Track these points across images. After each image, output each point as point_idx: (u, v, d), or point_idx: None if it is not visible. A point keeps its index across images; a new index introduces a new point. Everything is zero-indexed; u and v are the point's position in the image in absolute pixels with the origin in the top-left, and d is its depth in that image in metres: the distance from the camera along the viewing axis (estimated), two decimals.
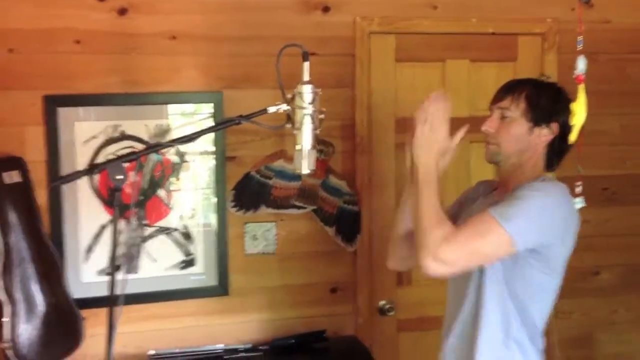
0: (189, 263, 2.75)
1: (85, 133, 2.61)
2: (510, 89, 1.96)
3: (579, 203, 1.99)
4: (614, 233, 3.20)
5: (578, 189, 2.05)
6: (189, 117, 2.75)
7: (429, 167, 1.84)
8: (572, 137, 1.94)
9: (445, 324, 2.09)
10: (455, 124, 2.70)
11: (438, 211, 1.80)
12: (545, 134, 1.92)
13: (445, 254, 1.74)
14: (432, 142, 1.85)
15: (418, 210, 1.82)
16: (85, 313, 2.55)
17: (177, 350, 2.68)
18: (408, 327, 3.01)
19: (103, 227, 2.65)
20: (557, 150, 1.96)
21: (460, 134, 1.88)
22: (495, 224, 1.75)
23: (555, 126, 1.92)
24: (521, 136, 1.92)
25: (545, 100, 1.92)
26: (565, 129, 1.94)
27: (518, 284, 1.87)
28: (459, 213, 2.14)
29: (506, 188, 1.97)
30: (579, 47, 1.94)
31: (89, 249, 2.65)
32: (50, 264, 2.50)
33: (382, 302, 2.97)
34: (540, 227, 1.80)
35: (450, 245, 1.73)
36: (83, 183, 2.60)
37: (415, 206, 1.85)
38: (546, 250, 1.84)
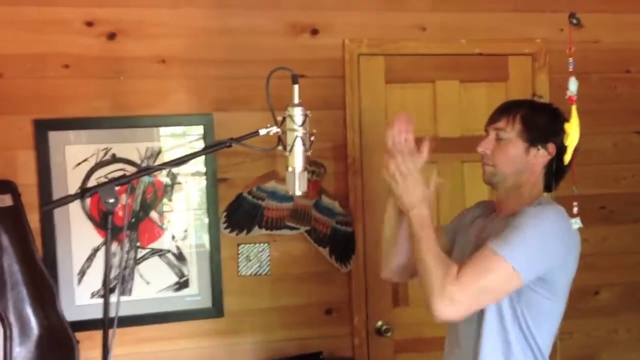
0: (183, 284, 2.75)
1: (76, 156, 2.61)
2: (505, 110, 1.96)
3: (576, 224, 1.98)
4: (612, 252, 3.19)
5: (575, 210, 2.04)
6: (179, 140, 2.76)
7: (420, 214, 1.82)
8: (567, 157, 1.93)
9: (447, 348, 2.07)
10: (447, 145, 2.70)
11: (439, 255, 1.78)
12: (542, 155, 1.92)
13: (454, 294, 1.71)
14: (413, 192, 1.82)
15: (419, 258, 1.80)
16: (79, 336, 2.53)
17: None
18: (405, 348, 2.99)
19: (96, 250, 2.65)
20: (555, 172, 1.94)
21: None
22: (499, 259, 1.73)
23: (551, 147, 1.91)
24: (518, 157, 1.91)
25: (541, 121, 1.92)
26: (563, 149, 1.92)
27: (522, 309, 1.85)
28: (456, 234, 2.13)
29: (505, 210, 1.96)
30: (570, 68, 1.95)
31: (82, 272, 2.64)
32: (43, 286, 2.49)
33: (379, 323, 2.95)
34: (543, 255, 1.79)
35: (457, 285, 1.71)
36: (75, 206, 2.60)
37: (415, 254, 1.83)
38: (550, 276, 1.82)
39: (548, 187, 1.98)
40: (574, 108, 1.91)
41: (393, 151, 1.84)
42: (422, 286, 1.79)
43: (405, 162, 1.82)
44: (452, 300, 1.71)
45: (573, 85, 1.89)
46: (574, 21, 1.78)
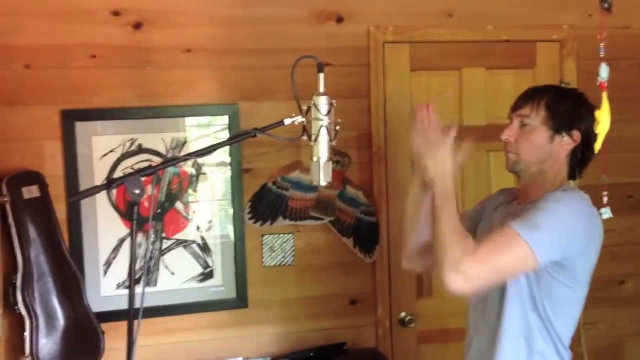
0: (207, 275, 2.75)
1: (102, 147, 2.62)
2: (530, 97, 1.92)
3: (606, 214, 1.94)
4: (639, 242, 3.14)
5: (605, 199, 2.00)
6: (205, 130, 2.76)
7: (445, 187, 1.80)
8: (597, 145, 1.90)
9: (468, 337, 2.06)
10: (473, 133, 2.67)
11: (458, 228, 1.76)
12: (566, 143, 1.89)
13: (468, 269, 1.69)
14: (441, 161, 1.81)
15: (438, 230, 1.78)
16: (105, 327, 2.55)
17: None
18: (429, 339, 2.98)
19: (122, 241, 2.66)
20: (580, 159, 1.91)
21: (463, 154, 1.84)
22: (517, 238, 1.72)
23: (577, 134, 1.88)
24: (542, 145, 1.88)
25: (566, 108, 1.89)
26: (588, 136, 1.90)
27: (541, 297, 1.83)
28: (479, 220, 2.11)
29: (528, 197, 1.93)
30: (601, 54, 1.91)
31: (108, 263, 2.66)
32: (70, 278, 2.51)
33: (403, 314, 2.94)
34: (562, 239, 1.76)
35: (473, 260, 1.70)
36: (101, 197, 2.61)
37: (434, 225, 1.81)
38: (569, 262, 1.80)
39: (572, 175, 1.95)
40: (604, 95, 1.87)
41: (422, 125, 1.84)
42: (437, 257, 1.77)
43: (436, 132, 1.81)
44: (465, 275, 1.70)
45: (604, 72, 1.85)
46: (606, 5, 1.74)
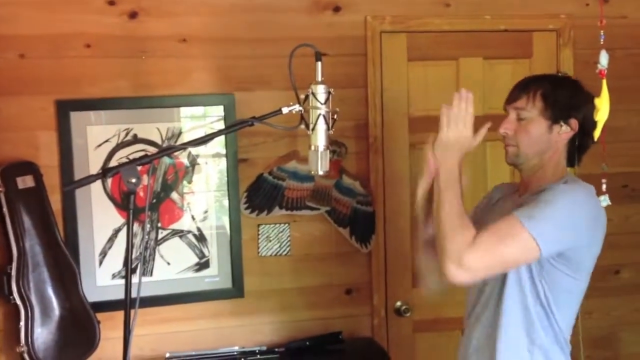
0: (203, 265, 2.75)
1: (97, 137, 2.61)
2: (525, 88, 1.91)
3: (604, 201, 1.94)
4: (635, 231, 3.15)
5: (603, 187, 2.00)
6: (200, 120, 2.75)
7: (452, 169, 1.80)
8: (597, 133, 1.89)
9: (466, 326, 2.05)
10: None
11: (461, 215, 1.75)
12: (565, 132, 1.88)
13: (469, 260, 1.69)
14: (456, 144, 1.81)
15: (440, 214, 1.78)
16: (100, 316, 2.55)
17: (192, 353, 2.67)
18: (424, 328, 2.98)
19: (117, 231, 2.65)
20: (578, 147, 1.91)
21: (483, 131, 1.84)
22: (521, 228, 1.71)
23: (574, 122, 1.87)
24: (540, 136, 1.87)
25: (562, 97, 1.87)
26: (586, 123, 1.88)
27: (544, 286, 1.82)
28: (477, 220, 2.09)
29: (530, 188, 1.92)
30: (601, 41, 1.90)
31: (104, 253, 2.65)
32: (65, 267, 2.51)
33: (398, 303, 2.94)
34: (566, 231, 1.76)
35: (474, 251, 1.69)
36: (96, 187, 2.60)
37: (436, 210, 1.80)
38: (573, 253, 1.80)
39: (571, 163, 1.94)
40: (604, 82, 1.86)
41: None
42: (438, 242, 1.77)
43: (469, 108, 1.82)
44: (466, 265, 1.69)
45: (604, 59, 1.84)
46: None
